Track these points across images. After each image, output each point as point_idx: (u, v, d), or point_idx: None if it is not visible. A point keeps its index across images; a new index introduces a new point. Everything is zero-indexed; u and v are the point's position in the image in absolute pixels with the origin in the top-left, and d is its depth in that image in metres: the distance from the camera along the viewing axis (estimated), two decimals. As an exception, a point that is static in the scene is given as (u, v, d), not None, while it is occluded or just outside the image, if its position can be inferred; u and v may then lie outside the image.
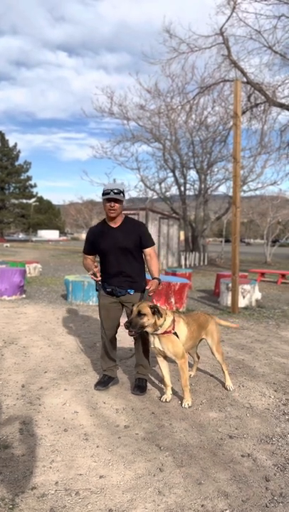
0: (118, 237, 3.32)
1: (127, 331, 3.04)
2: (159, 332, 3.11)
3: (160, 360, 3.29)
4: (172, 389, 3.39)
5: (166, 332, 3.12)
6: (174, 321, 3.18)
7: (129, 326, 2.98)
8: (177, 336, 3.15)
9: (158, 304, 3.22)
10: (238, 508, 2.00)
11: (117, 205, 3.25)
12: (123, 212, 3.43)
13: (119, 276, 3.34)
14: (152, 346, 3.22)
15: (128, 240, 3.32)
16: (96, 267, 3.36)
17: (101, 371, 3.63)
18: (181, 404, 3.19)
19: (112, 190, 3.21)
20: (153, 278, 3.29)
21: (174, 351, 3.14)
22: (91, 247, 3.46)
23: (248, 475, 2.29)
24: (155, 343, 3.18)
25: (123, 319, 3.55)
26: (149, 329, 3.09)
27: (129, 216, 3.51)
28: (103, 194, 3.26)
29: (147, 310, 3.03)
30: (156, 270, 3.35)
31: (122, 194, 3.26)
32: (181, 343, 3.19)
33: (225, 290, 8.08)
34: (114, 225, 3.38)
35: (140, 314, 3.01)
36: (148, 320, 3.02)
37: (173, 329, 3.14)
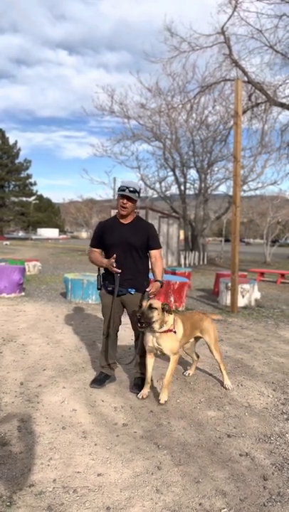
0: (126, 233, 3.34)
1: (138, 324, 3.07)
2: (162, 330, 3.14)
3: (150, 356, 3.29)
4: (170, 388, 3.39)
5: (168, 330, 3.16)
6: (174, 319, 3.23)
7: (141, 316, 3.01)
8: (175, 334, 3.20)
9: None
10: (235, 507, 2.00)
11: (129, 203, 3.31)
12: None
13: (121, 273, 3.33)
14: (150, 345, 3.22)
15: (136, 237, 3.34)
16: (112, 256, 3.23)
17: (99, 368, 3.63)
18: (159, 400, 3.17)
19: (127, 188, 3.27)
20: (156, 280, 3.30)
21: (171, 348, 3.19)
22: (98, 240, 3.46)
23: (246, 474, 2.29)
24: (154, 341, 3.18)
25: (124, 318, 3.55)
26: (156, 325, 3.11)
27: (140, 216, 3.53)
28: (119, 190, 3.32)
29: (158, 305, 3.08)
30: (159, 272, 3.35)
31: (136, 194, 3.32)
32: (178, 340, 3.24)
33: (224, 289, 8.08)
34: (125, 221, 3.41)
35: (151, 308, 3.04)
36: (158, 315, 3.06)
37: (173, 327, 3.17)
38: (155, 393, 3.40)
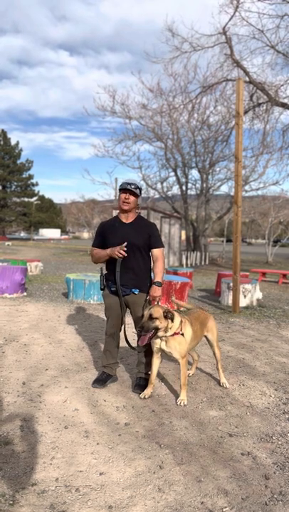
0: (128, 233, 3.34)
1: (139, 340, 3.06)
2: (168, 334, 3.12)
3: (156, 357, 3.29)
4: (170, 387, 3.39)
5: (175, 334, 3.14)
6: (181, 322, 3.20)
7: (141, 330, 2.98)
8: (183, 336, 3.18)
9: (170, 308, 3.21)
10: (237, 506, 2.00)
11: (131, 197, 3.32)
12: None
13: (124, 273, 3.33)
14: (157, 347, 3.22)
15: (138, 236, 3.34)
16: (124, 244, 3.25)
17: (101, 368, 3.63)
18: (176, 401, 3.19)
19: (129, 184, 3.32)
20: (155, 281, 3.28)
21: (179, 351, 3.16)
22: (101, 240, 3.46)
23: (248, 473, 2.30)
24: (161, 344, 3.18)
25: (127, 318, 3.56)
26: (160, 333, 3.09)
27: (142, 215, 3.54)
28: (120, 186, 3.36)
29: (159, 313, 3.03)
30: (159, 273, 3.32)
31: (138, 190, 3.36)
32: (187, 343, 3.22)
33: (226, 289, 8.08)
34: (126, 220, 3.42)
35: (152, 318, 3.01)
36: (160, 323, 3.02)
37: (181, 330, 3.16)
38: (157, 393, 3.40)
